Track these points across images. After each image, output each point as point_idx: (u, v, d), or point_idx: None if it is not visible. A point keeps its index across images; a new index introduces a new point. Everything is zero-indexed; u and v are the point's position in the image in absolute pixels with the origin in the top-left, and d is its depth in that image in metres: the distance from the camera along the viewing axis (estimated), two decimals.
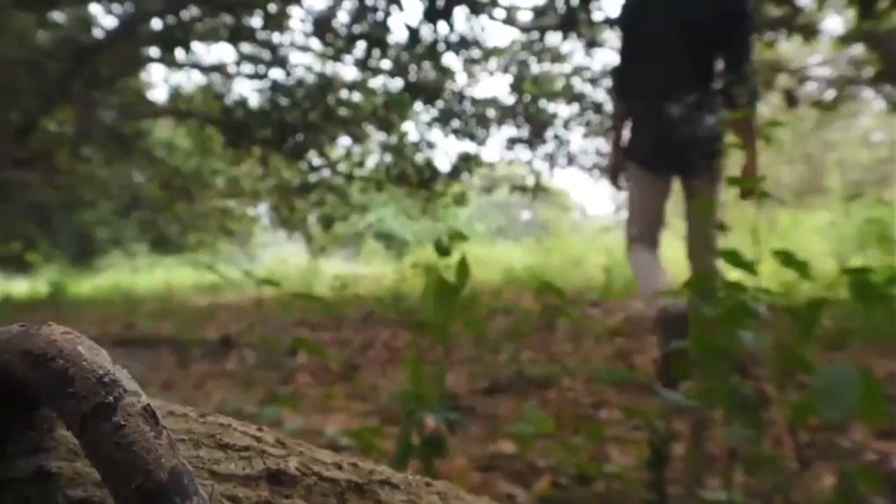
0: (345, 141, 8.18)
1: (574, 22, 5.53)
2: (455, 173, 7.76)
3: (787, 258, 1.24)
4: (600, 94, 7.53)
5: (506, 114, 7.62)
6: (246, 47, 6.88)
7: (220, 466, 0.30)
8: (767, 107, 6.69)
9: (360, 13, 5.58)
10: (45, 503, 0.27)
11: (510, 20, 6.48)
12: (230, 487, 0.30)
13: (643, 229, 2.36)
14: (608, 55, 7.21)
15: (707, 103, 2.17)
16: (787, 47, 6.45)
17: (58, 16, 6.21)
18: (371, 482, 0.34)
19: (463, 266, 1.44)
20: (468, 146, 7.94)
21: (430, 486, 0.36)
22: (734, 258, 1.26)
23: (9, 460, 0.27)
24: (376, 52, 5.70)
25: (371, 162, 8.18)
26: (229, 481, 0.30)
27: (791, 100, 5.64)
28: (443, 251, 1.49)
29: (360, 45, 5.86)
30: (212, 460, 0.30)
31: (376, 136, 8.28)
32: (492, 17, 6.43)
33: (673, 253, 2.78)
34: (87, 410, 0.23)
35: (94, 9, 6.56)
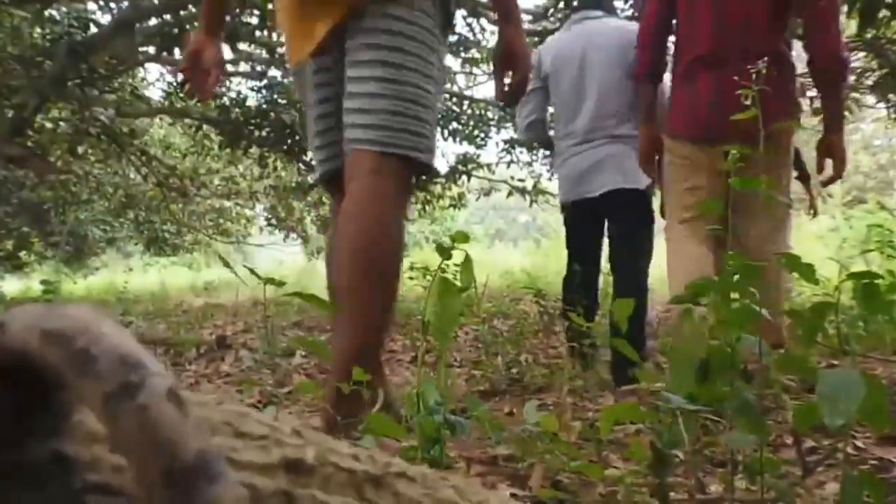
0: None
1: None
2: (453, 175, 7.76)
3: (792, 262, 1.23)
4: None
5: (505, 116, 7.63)
6: (244, 46, 6.87)
7: (237, 454, 0.30)
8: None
9: None
10: (61, 488, 0.26)
11: None
12: (248, 476, 0.29)
13: None
14: None
15: None
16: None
17: (54, 12, 6.19)
18: (388, 474, 0.33)
19: (467, 267, 1.42)
20: (467, 148, 7.93)
21: (445, 480, 0.35)
22: (740, 263, 1.26)
23: (25, 444, 0.26)
24: None
25: None
26: (246, 469, 0.29)
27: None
28: (444, 252, 1.48)
29: None
30: (229, 448, 0.29)
31: None
32: (491, 19, 6.43)
33: None
34: (110, 390, 0.23)
35: (91, 6, 6.54)
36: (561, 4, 5.03)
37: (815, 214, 3.36)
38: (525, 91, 1.54)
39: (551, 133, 2.68)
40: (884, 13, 3.72)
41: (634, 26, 2.44)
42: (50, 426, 0.27)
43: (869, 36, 4.43)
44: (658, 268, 2.42)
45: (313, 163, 1.55)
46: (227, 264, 1.38)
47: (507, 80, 1.48)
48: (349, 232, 1.34)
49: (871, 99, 6.07)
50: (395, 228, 1.37)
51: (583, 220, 2.51)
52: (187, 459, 0.21)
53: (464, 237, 1.47)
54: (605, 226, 2.50)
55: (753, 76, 1.25)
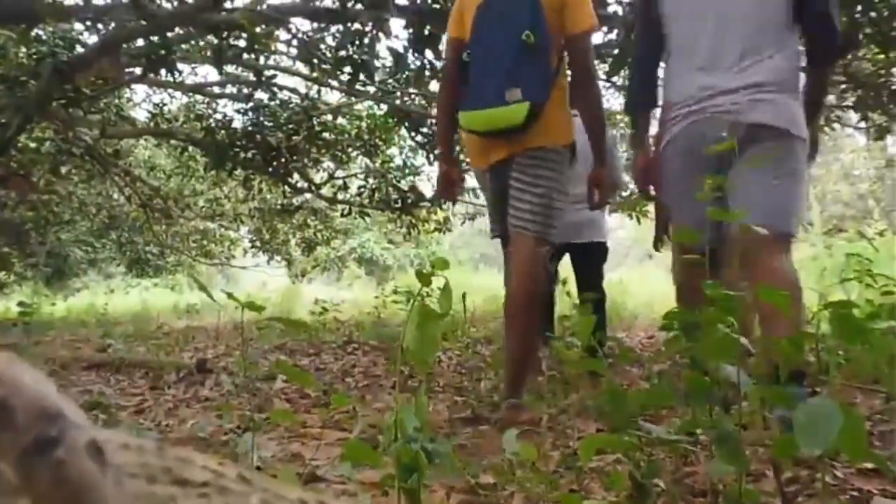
0: (329, 164, 8.18)
1: None
2: (438, 199, 7.75)
3: (768, 291, 1.24)
4: None
5: None
6: (230, 69, 6.87)
7: None
8: None
9: (346, 36, 5.59)
10: None
11: None
12: None
13: None
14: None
15: None
16: None
17: (40, 32, 6.17)
18: None
19: (446, 293, 1.41)
20: None
21: None
22: (717, 292, 1.26)
23: None
24: (362, 76, 5.72)
25: (355, 186, 8.17)
26: None
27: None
28: (424, 279, 1.47)
29: (346, 69, 5.87)
30: (167, 497, 0.28)
31: (361, 160, 8.28)
32: None
33: None
34: (27, 444, 0.21)
35: (78, 26, 6.53)
36: None
37: None
38: (605, 204, 2.54)
39: None
40: None
41: None
42: None
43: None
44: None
45: (491, 224, 2.53)
46: (203, 289, 1.35)
47: (596, 196, 2.39)
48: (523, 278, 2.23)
49: (852, 117, 6.15)
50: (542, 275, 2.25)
51: (557, 255, 3.41)
52: None
53: (443, 263, 1.46)
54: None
55: None
